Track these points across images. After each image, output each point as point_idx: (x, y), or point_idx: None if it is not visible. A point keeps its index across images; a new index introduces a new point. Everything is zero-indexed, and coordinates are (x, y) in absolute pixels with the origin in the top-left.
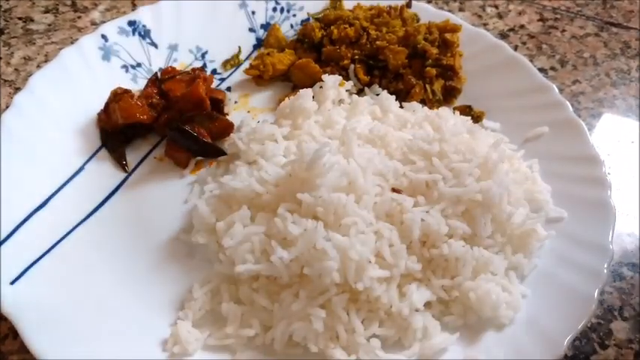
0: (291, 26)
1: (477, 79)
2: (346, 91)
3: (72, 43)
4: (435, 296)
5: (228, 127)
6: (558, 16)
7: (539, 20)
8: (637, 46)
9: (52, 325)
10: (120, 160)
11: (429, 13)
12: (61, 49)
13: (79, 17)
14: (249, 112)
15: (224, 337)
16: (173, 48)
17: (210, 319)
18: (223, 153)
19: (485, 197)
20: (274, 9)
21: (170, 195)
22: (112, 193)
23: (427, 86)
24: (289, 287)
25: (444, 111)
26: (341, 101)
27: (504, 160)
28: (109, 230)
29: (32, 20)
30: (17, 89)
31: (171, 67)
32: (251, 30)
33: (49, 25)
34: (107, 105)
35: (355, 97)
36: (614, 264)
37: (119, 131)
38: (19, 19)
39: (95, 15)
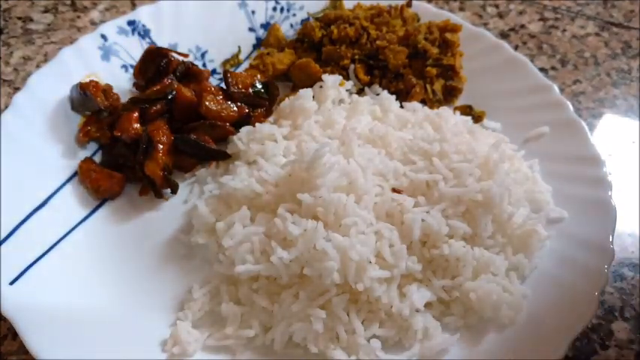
0: (291, 26)
1: (478, 79)
2: (346, 90)
3: (71, 42)
4: (435, 297)
5: (229, 134)
6: (559, 15)
7: (539, 20)
8: (638, 46)
9: (51, 325)
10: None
11: (429, 13)
12: (60, 48)
13: (79, 17)
14: None
15: (224, 337)
16: (173, 48)
17: (210, 319)
18: (228, 156)
19: (485, 197)
20: (274, 8)
21: (170, 195)
22: None
23: (427, 86)
24: (289, 288)
25: (445, 111)
26: (341, 101)
27: (505, 160)
28: (108, 230)
29: (31, 20)
30: (16, 89)
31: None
32: (251, 30)
33: (49, 24)
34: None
35: (355, 97)
36: (614, 264)
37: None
38: (19, 18)
39: (94, 15)
